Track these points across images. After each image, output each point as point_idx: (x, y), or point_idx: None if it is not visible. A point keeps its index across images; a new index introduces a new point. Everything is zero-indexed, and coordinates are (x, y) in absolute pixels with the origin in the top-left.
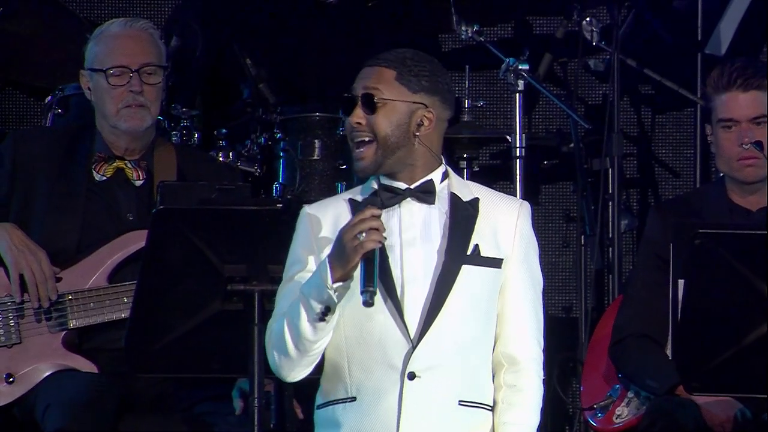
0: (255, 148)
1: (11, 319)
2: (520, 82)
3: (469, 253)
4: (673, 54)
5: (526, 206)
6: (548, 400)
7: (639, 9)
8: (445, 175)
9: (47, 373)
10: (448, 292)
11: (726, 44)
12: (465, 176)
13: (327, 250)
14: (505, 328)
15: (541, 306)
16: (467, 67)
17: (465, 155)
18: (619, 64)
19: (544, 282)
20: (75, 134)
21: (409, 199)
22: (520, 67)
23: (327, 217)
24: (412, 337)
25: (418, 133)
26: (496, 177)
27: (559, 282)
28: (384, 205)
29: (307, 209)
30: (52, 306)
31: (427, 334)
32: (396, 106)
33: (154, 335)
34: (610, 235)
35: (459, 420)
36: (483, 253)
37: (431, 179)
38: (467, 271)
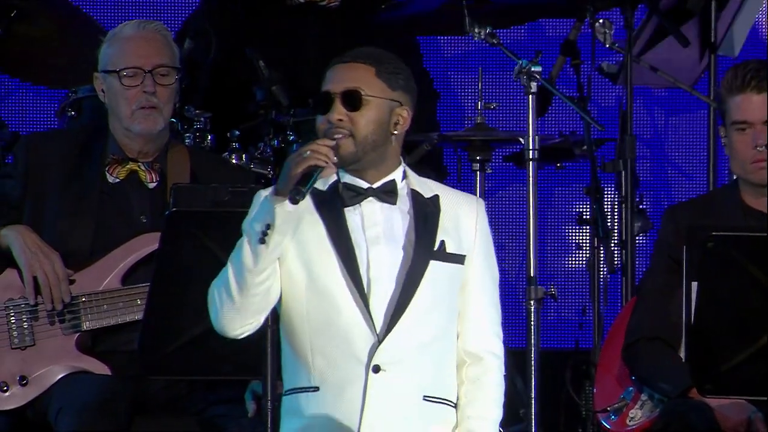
0: (268, 150)
1: (25, 321)
2: (533, 84)
3: (435, 248)
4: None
5: (482, 203)
6: (562, 403)
7: (653, 11)
8: (404, 174)
9: (60, 375)
10: (416, 288)
11: (739, 46)
12: (477, 178)
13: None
14: (467, 325)
15: (499, 301)
16: (480, 69)
17: (478, 157)
18: (632, 67)
19: (557, 284)
20: (88, 136)
21: (370, 198)
22: (533, 69)
23: None
24: (378, 331)
25: (395, 132)
26: (509, 179)
27: (572, 284)
28: (345, 204)
29: (263, 191)
30: (65, 308)
31: (394, 328)
32: (378, 103)
33: (167, 337)
34: (623, 238)
35: (423, 415)
36: (448, 249)
37: (393, 179)
38: (434, 267)
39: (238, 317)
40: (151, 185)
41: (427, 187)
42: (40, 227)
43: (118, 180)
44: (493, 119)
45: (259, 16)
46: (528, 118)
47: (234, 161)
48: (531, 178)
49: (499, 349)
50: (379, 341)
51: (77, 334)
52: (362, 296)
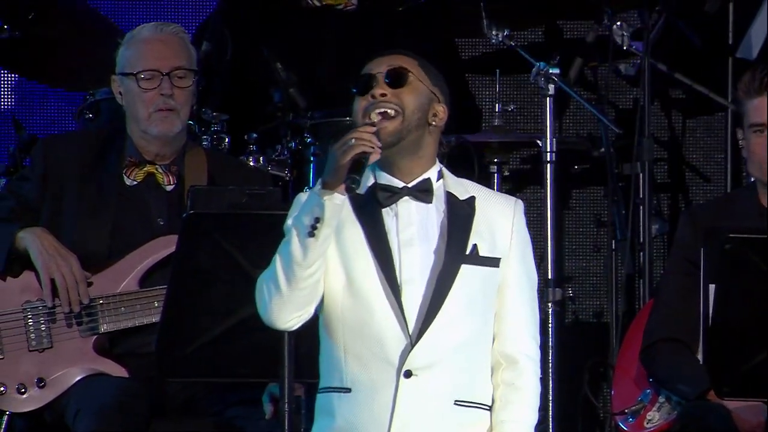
0: (285, 152)
1: (42, 324)
2: (551, 86)
3: (467, 252)
4: (703, 58)
5: (521, 205)
6: (579, 405)
7: (670, 13)
8: (440, 174)
9: (78, 378)
10: (447, 292)
11: (757, 48)
12: (495, 180)
13: None
14: (503, 327)
15: (537, 304)
16: (497, 71)
17: (495, 159)
18: (649, 69)
19: (575, 287)
20: (106, 139)
21: (406, 198)
22: (550, 71)
23: None
24: (411, 335)
25: (433, 123)
26: (526, 182)
27: (590, 286)
28: (382, 204)
29: (302, 194)
30: (83, 310)
31: (426, 332)
32: (420, 87)
33: (185, 340)
34: (641, 240)
35: (454, 419)
36: (481, 253)
37: (428, 177)
38: (466, 271)
39: (287, 309)
40: (169, 188)
41: (464, 188)
42: (57, 230)
43: (135, 182)
44: (510, 121)
45: (276, 18)
46: (546, 120)
47: (251, 163)
48: (549, 180)
49: (534, 352)
50: (412, 345)
51: (95, 337)
52: (397, 299)
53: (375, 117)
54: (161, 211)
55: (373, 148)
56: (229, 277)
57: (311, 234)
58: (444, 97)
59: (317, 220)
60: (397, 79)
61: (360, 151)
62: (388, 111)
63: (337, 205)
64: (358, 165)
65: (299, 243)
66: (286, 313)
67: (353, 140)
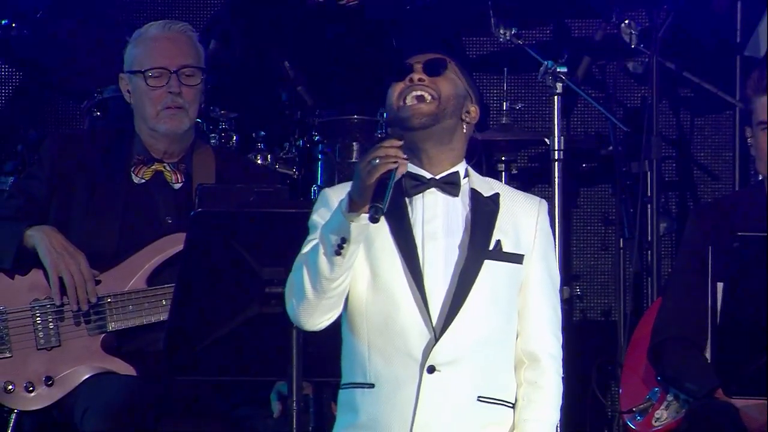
0: (293, 150)
1: (51, 322)
2: (559, 85)
3: (491, 248)
4: (712, 56)
5: (545, 204)
6: (587, 403)
7: (678, 11)
8: (466, 172)
9: (86, 376)
10: (470, 287)
11: (765, 46)
12: (503, 179)
13: None
14: (526, 325)
15: (559, 303)
16: (505, 69)
17: (503, 158)
18: (657, 67)
19: (582, 285)
20: (113, 137)
21: (433, 189)
22: (558, 69)
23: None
24: (434, 330)
25: (466, 120)
26: (534, 180)
27: (598, 285)
28: (408, 194)
29: (328, 190)
30: (91, 309)
31: (449, 328)
32: (457, 81)
33: (193, 338)
34: (649, 238)
35: (477, 416)
36: (504, 249)
37: (457, 171)
38: (489, 267)
39: (316, 314)
40: (177, 186)
41: (489, 186)
42: (65, 228)
43: (143, 180)
44: (518, 120)
45: (283, 16)
46: (553, 118)
47: (259, 162)
48: (556, 179)
49: (556, 350)
50: (436, 339)
51: (103, 335)
52: (421, 294)
53: (410, 100)
54: (169, 209)
55: (397, 162)
56: (237, 275)
57: (338, 253)
58: (477, 99)
59: (344, 240)
60: (435, 68)
61: (385, 170)
62: (425, 95)
63: (364, 225)
64: (383, 184)
65: (326, 258)
66: (315, 317)
67: (377, 159)
